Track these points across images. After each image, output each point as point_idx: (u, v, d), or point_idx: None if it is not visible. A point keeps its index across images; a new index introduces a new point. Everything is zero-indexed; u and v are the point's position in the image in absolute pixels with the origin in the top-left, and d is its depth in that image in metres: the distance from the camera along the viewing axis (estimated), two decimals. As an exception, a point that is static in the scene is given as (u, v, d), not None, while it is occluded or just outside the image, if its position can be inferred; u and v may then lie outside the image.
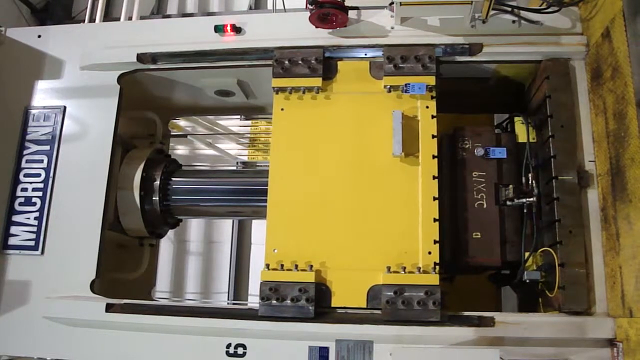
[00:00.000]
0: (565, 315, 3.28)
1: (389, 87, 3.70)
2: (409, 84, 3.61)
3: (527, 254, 3.59)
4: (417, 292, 3.32)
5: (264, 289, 3.43)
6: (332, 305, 3.43)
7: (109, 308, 3.56)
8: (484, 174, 3.76)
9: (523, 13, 3.71)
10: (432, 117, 3.63)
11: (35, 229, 3.82)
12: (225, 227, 10.82)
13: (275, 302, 3.40)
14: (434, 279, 3.35)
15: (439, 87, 3.67)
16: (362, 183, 3.59)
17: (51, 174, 3.90)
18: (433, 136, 3.59)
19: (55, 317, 3.61)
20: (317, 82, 3.74)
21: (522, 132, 3.83)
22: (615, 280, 3.15)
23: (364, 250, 3.49)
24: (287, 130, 3.76)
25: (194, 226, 11.01)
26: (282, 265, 3.49)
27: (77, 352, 3.59)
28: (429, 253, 3.41)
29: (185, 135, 9.63)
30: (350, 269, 3.47)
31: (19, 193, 3.92)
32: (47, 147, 3.97)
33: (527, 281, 3.56)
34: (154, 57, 4.00)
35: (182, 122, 9.20)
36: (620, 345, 3.05)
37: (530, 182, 3.63)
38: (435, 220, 3.45)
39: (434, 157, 3.55)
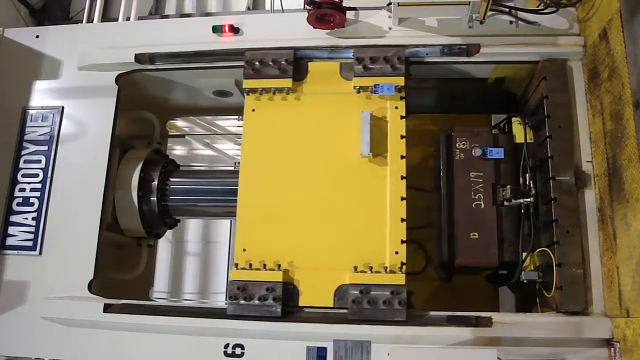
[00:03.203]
0: (562, 315, 3.28)
1: (358, 87, 3.71)
2: (378, 84, 3.63)
3: (524, 254, 3.60)
4: (383, 291, 3.34)
5: (232, 288, 3.46)
6: (300, 304, 3.45)
7: (107, 308, 3.56)
8: (482, 174, 3.77)
9: (520, 14, 3.72)
10: (401, 117, 3.65)
11: (33, 229, 3.82)
12: (223, 228, 10.82)
13: (243, 301, 3.42)
14: (400, 279, 3.36)
15: (408, 87, 3.69)
16: (331, 183, 3.62)
17: (49, 175, 3.90)
18: (402, 136, 3.61)
19: (53, 318, 3.60)
20: (287, 82, 3.76)
21: (520, 132, 3.84)
22: (613, 281, 3.16)
23: (333, 250, 3.52)
24: (258, 130, 3.78)
25: (192, 226, 11.01)
26: (250, 265, 3.51)
27: (75, 352, 3.59)
28: (396, 253, 3.43)
29: (183, 136, 9.62)
30: (318, 269, 3.49)
31: (17, 193, 3.92)
32: (45, 148, 3.97)
33: (525, 281, 3.58)
34: (152, 58, 4.00)
35: (180, 123, 9.19)
36: (618, 345, 3.06)
37: (527, 183, 3.64)
38: (402, 220, 3.47)
39: (402, 157, 3.57)
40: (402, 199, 3.50)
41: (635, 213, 2.93)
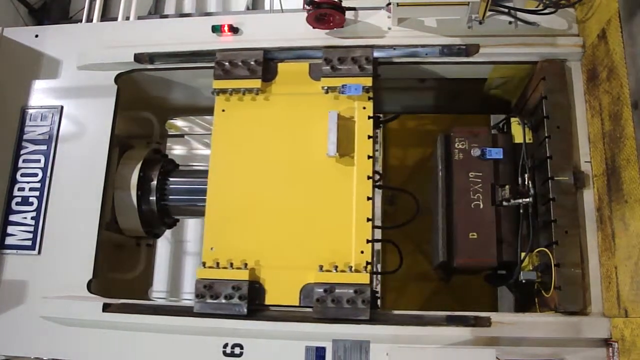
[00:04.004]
0: (561, 315, 3.29)
1: (326, 88, 3.73)
2: (345, 85, 3.65)
3: (523, 254, 3.61)
4: (347, 290, 3.35)
5: (198, 286, 3.49)
6: (266, 303, 3.48)
7: (106, 308, 3.57)
8: (481, 174, 3.77)
9: (520, 14, 3.73)
10: (369, 117, 3.66)
11: (32, 228, 3.82)
12: (223, 227, 10.78)
13: (209, 299, 3.44)
14: (364, 278, 3.38)
15: (376, 88, 3.70)
16: (298, 183, 3.64)
17: (48, 174, 3.90)
18: (369, 137, 3.62)
19: (52, 317, 3.60)
20: (256, 83, 3.78)
21: (519, 132, 3.84)
22: (611, 281, 3.17)
23: (299, 249, 3.54)
24: (228, 131, 3.81)
25: (191, 226, 10.98)
26: (217, 264, 3.54)
27: (74, 352, 3.59)
28: (362, 252, 3.45)
29: (182, 135, 9.61)
30: (284, 268, 3.51)
31: (16, 192, 3.92)
32: (44, 147, 3.97)
33: (524, 281, 3.58)
34: (151, 57, 4.00)
35: (179, 122, 9.18)
36: (616, 345, 3.06)
37: (526, 183, 3.65)
38: (368, 220, 3.49)
39: (369, 157, 3.59)
40: (369, 198, 3.52)
41: (634, 213, 2.93)
